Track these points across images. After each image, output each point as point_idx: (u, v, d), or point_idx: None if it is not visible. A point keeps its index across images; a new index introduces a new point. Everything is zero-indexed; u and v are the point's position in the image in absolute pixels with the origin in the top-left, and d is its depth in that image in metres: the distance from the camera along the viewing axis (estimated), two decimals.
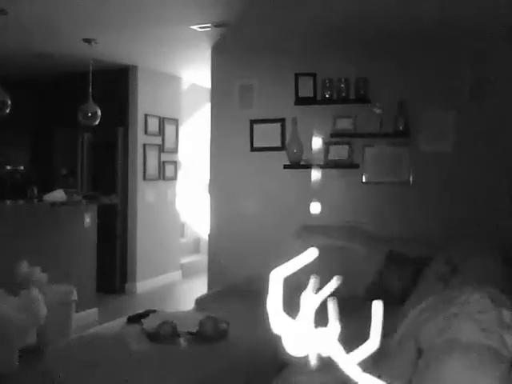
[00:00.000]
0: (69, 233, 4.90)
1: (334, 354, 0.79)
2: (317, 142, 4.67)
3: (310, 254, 0.78)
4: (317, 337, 0.79)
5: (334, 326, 0.78)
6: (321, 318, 0.81)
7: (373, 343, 0.80)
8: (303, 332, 0.79)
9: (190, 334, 2.79)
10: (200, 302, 3.79)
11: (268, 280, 0.78)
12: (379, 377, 0.83)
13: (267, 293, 0.78)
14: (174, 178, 7.08)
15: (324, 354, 0.80)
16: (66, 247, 4.84)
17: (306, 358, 0.81)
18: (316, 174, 4.76)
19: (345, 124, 4.68)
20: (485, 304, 1.53)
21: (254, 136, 5.03)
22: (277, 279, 0.78)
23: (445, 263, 2.98)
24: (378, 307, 0.80)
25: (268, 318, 0.79)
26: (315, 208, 4.54)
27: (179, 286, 6.98)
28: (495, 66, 4.27)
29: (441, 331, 1.55)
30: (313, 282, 0.79)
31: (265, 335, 2.73)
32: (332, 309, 0.78)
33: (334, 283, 0.80)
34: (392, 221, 4.52)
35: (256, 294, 3.68)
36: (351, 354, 0.80)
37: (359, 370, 0.80)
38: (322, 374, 1.99)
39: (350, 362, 0.79)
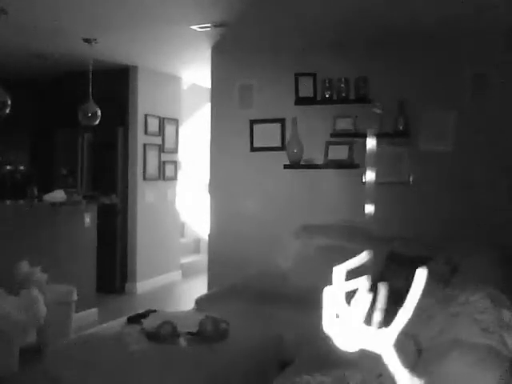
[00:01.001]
0: (69, 233, 4.90)
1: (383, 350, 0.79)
2: (371, 142, 4.53)
3: (363, 257, 0.80)
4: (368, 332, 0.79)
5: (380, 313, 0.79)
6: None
7: (406, 311, 0.80)
8: (355, 327, 0.80)
9: (190, 334, 2.79)
10: (200, 302, 3.79)
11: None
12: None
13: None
14: (174, 178, 7.08)
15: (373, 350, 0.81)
16: (66, 247, 4.84)
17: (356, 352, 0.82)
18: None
19: (345, 124, 4.68)
20: (485, 304, 1.53)
21: (254, 136, 5.04)
22: (340, 274, 0.79)
23: (445, 263, 2.99)
24: (421, 275, 0.80)
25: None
26: (369, 208, 4.50)
27: (179, 286, 6.98)
28: (495, 65, 4.27)
29: (441, 331, 1.55)
30: (362, 281, 0.81)
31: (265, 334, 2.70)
32: (382, 295, 0.80)
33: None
34: (392, 221, 4.52)
35: (256, 293, 3.69)
36: (388, 327, 0.80)
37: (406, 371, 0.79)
38: (322, 375, 1.99)
39: (397, 362, 0.79)
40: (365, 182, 4.67)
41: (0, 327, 3.60)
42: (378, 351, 0.82)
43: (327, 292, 0.81)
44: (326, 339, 0.84)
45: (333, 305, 0.81)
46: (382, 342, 0.80)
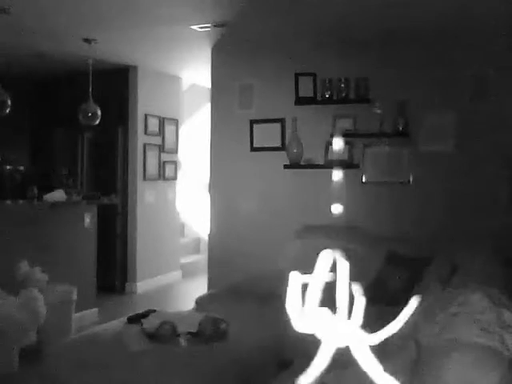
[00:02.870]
0: (69, 233, 4.90)
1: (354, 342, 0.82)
2: (338, 142, 4.53)
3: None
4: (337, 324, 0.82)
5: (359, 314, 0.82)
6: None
7: (393, 327, 0.83)
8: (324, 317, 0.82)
9: (190, 334, 2.79)
10: (200, 302, 3.79)
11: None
12: None
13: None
14: (174, 178, 7.08)
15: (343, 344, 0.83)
16: (66, 247, 4.84)
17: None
18: (335, 174, 4.71)
19: (345, 124, 4.68)
20: (485, 304, 1.53)
21: (254, 136, 5.03)
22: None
23: (445, 263, 2.99)
24: (414, 302, 0.86)
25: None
26: (336, 208, 4.51)
27: (179, 286, 6.98)
28: (495, 66, 4.27)
29: (441, 331, 1.55)
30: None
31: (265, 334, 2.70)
32: (359, 296, 0.82)
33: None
34: (392, 221, 4.52)
35: (256, 293, 3.69)
36: (370, 335, 0.83)
37: (378, 365, 0.82)
38: (322, 375, 1.99)
39: (368, 353, 0.82)
40: (365, 182, 4.67)
41: (0, 327, 3.60)
42: (346, 344, 0.84)
43: (294, 279, 0.84)
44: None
45: (299, 294, 0.84)
46: (350, 336, 0.83)
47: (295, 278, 0.84)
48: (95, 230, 5.20)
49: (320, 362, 0.83)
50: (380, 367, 0.84)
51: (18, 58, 5.92)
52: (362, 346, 0.83)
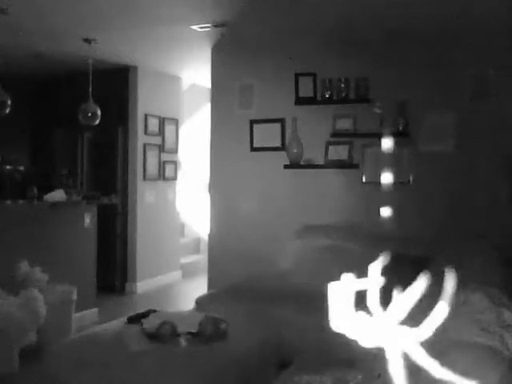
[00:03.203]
0: (69, 233, 4.90)
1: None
2: (387, 142, 4.47)
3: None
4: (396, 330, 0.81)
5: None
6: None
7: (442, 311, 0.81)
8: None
9: (190, 334, 2.79)
10: (200, 302, 3.79)
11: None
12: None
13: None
14: (174, 178, 7.09)
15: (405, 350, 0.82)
16: (66, 247, 4.84)
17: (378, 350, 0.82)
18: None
19: (345, 124, 4.68)
20: (485, 304, 1.53)
21: (254, 136, 5.03)
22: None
23: (445, 263, 2.98)
24: (450, 278, 0.84)
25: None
26: (386, 211, 4.50)
27: (179, 286, 6.98)
28: (495, 65, 4.26)
29: (441, 331, 1.54)
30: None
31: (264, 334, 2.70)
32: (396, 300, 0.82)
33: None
34: (392, 221, 4.51)
35: (256, 293, 3.69)
36: (419, 327, 0.82)
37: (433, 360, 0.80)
38: (322, 375, 1.99)
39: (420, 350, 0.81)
40: (365, 182, 4.67)
41: (0, 327, 3.60)
42: (401, 348, 0.83)
43: (333, 288, 0.82)
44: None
45: (341, 301, 0.82)
46: (408, 340, 0.82)
47: (348, 282, 0.81)
48: (95, 230, 5.20)
49: (395, 370, 0.81)
50: (436, 362, 0.83)
51: (17, 59, 5.92)
52: (414, 343, 0.82)
